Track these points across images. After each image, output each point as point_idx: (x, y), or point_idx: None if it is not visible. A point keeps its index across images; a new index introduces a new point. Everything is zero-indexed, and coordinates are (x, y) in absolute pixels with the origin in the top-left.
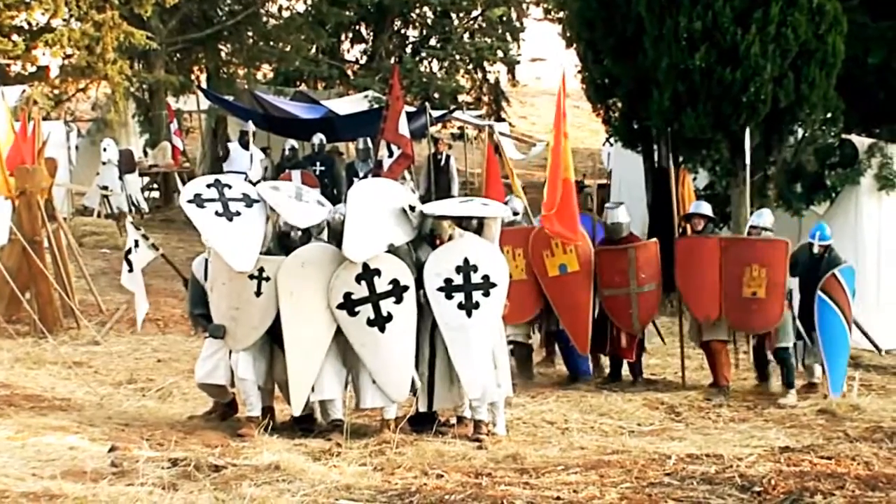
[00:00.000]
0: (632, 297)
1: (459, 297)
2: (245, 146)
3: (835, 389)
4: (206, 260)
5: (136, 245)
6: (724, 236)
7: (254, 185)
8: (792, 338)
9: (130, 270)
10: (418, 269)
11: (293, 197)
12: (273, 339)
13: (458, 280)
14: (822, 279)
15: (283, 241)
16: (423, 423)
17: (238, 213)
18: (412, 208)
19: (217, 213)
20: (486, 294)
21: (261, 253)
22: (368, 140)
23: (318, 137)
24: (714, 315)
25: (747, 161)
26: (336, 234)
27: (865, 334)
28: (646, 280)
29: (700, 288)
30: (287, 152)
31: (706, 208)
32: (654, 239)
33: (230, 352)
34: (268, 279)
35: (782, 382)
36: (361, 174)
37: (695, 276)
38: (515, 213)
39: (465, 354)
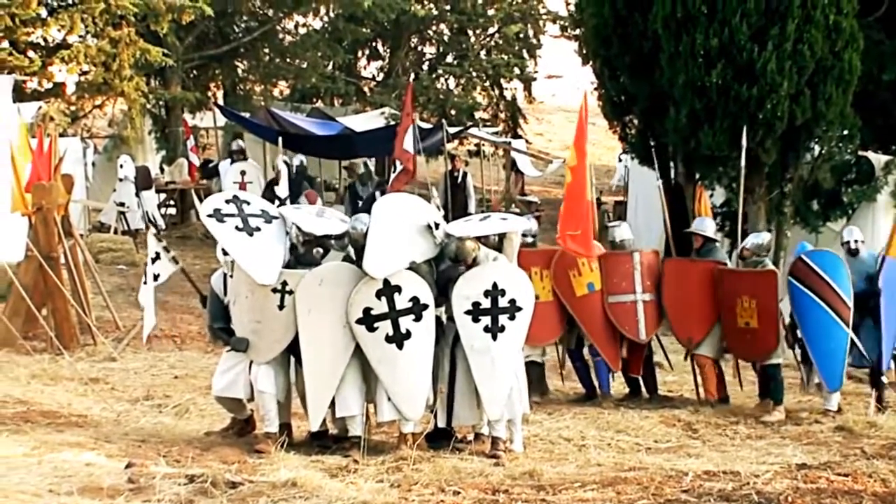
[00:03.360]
0: (638, 304)
1: (486, 320)
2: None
3: (831, 385)
4: (225, 274)
5: (158, 257)
6: (714, 265)
7: (282, 201)
8: (781, 355)
9: (146, 283)
10: (440, 288)
11: (313, 213)
12: (293, 353)
13: (486, 304)
14: (791, 264)
15: (301, 258)
16: (439, 439)
17: (258, 229)
18: (436, 225)
19: (237, 228)
20: (512, 318)
21: (283, 267)
22: (369, 163)
23: (299, 159)
24: (697, 338)
25: (742, 165)
26: (356, 246)
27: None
28: (650, 288)
29: (685, 311)
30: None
31: (708, 227)
32: (656, 248)
33: (250, 365)
34: (291, 293)
35: (771, 399)
36: (364, 196)
37: (680, 297)
38: (533, 235)
39: (489, 376)
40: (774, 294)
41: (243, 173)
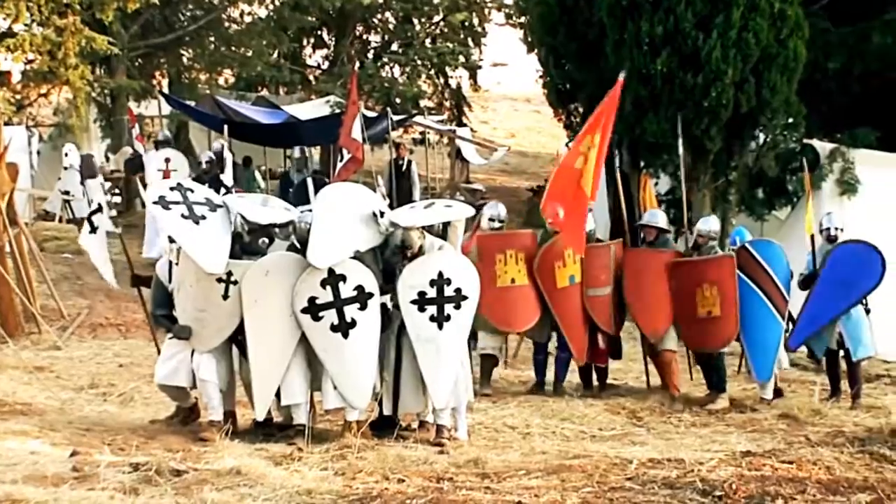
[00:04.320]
0: (611, 297)
1: (432, 309)
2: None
3: (760, 375)
4: (171, 262)
5: (99, 209)
6: (673, 255)
7: (228, 189)
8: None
9: (92, 231)
10: (386, 276)
11: (258, 203)
12: (234, 342)
13: (432, 293)
14: (734, 252)
15: (246, 247)
16: (384, 427)
17: (204, 217)
18: (381, 214)
19: (183, 216)
20: (458, 307)
21: (228, 256)
22: (305, 150)
23: (219, 143)
24: (662, 330)
25: (682, 153)
26: (303, 241)
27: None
28: (618, 279)
29: (648, 302)
30: (204, 165)
31: (660, 219)
32: (620, 239)
33: (192, 354)
34: (235, 283)
35: (714, 388)
36: (296, 182)
37: (642, 290)
38: (501, 221)
39: (435, 365)
40: (734, 279)
41: (167, 160)
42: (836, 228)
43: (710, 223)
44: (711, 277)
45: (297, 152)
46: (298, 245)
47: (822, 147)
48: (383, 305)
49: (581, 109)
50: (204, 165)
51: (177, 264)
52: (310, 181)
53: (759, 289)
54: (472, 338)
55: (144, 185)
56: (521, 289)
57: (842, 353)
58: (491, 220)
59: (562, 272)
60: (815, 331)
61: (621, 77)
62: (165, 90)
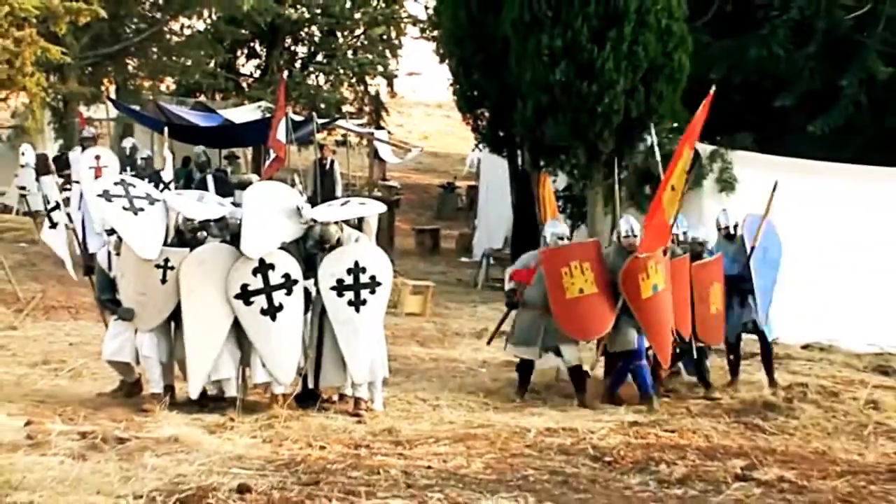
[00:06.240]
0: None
1: (349, 295)
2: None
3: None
4: (109, 251)
5: (57, 206)
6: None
7: (166, 185)
8: None
9: (52, 226)
10: (307, 263)
11: (195, 199)
12: (174, 321)
13: (349, 280)
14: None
15: (183, 239)
16: (307, 399)
17: (142, 209)
18: (301, 209)
19: (124, 208)
20: (373, 292)
21: (165, 245)
22: (206, 152)
23: (131, 142)
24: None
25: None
26: (234, 235)
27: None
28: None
29: (685, 307)
30: (140, 161)
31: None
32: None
33: (135, 332)
34: (172, 268)
35: (705, 381)
36: (197, 179)
37: (684, 296)
38: (569, 238)
39: (353, 345)
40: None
41: (98, 157)
42: (734, 226)
43: (704, 230)
44: (718, 276)
45: (202, 156)
46: (230, 238)
47: (704, 149)
48: (306, 290)
49: (487, 114)
50: (140, 162)
51: (117, 255)
52: (210, 178)
53: None
54: (557, 353)
55: (69, 183)
56: (591, 297)
57: (754, 336)
58: (560, 238)
59: (646, 283)
60: (770, 300)
61: (712, 91)
62: (113, 96)
